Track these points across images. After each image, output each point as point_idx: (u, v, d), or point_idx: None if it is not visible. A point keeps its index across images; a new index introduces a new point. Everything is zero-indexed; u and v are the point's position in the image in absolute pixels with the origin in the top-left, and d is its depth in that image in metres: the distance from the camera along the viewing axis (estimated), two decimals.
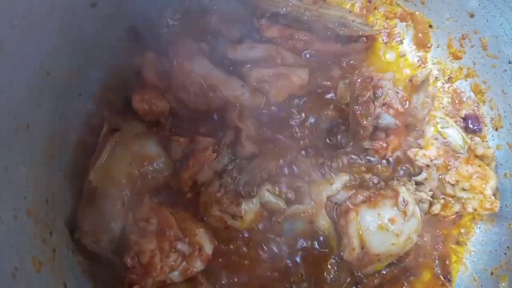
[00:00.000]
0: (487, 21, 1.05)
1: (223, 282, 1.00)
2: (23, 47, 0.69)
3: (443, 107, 1.19)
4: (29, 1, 0.69)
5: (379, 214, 0.95)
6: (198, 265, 0.95)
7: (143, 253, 0.89)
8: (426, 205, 1.01)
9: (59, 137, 0.89)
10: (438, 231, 1.10)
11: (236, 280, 1.00)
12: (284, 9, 1.07)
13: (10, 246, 0.65)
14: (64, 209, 0.89)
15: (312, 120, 1.12)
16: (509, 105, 1.08)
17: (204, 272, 0.97)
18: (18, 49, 0.68)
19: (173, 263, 0.91)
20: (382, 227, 0.94)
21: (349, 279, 1.03)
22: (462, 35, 1.13)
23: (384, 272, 1.02)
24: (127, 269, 0.88)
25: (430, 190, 1.03)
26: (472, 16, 1.07)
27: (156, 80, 1.03)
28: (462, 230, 1.12)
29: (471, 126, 1.15)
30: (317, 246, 1.04)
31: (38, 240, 0.75)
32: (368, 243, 0.95)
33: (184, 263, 0.93)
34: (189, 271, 0.94)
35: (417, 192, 1.01)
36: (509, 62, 1.05)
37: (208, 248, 0.98)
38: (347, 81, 1.12)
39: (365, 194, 1.00)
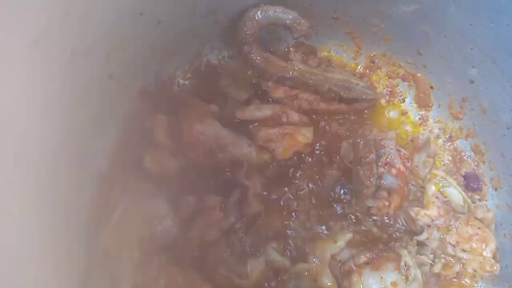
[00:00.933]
0: (486, 88, 1.10)
1: None
2: None
3: (444, 165, 1.23)
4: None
5: (381, 277, 0.98)
6: None
7: None
8: (427, 268, 1.03)
9: (73, 202, 0.92)
10: None
11: None
12: (291, 73, 1.12)
13: None
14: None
15: (316, 178, 1.16)
16: (508, 167, 1.12)
17: None
18: None
19: None
20: None
21: None
22: (463, 98, 1.17)
23: None
24: None
25: (431, 250, 1.05)
26: (472, 82, 1.12)
27: (167, 140, 1.06)
28: None
29: (471, 184, 1.19)
30: None
31: None
32: None
33: None
34: None
35: (419, 256, 1.03)
36: (508, 128, 1.09)
37: None
38: (351, 141, 1.16)
39: (368, 255, 1.03)
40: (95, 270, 0.95)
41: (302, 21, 1.06)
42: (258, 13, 1.04)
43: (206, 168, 1.10)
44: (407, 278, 0.97)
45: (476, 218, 1.09)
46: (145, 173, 1.06)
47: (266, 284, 1.06)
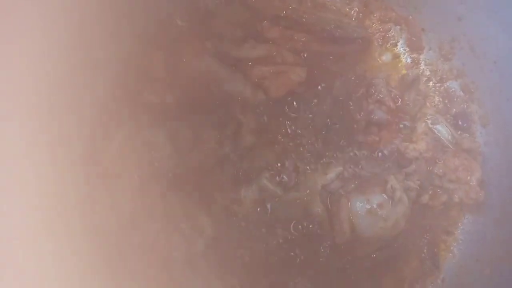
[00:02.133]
0: (474, 23, 1.13)
1: None
2: None
3: (435, 106, 1.26)
4: None
5: (368, 199, 1.03)
6: (200, 244, 1.03)
7: (149, 232, 0.97)
8: (413, 194, 1.07)
9: None
10: (427, 221, 1.18)
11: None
12: (284, 12, 1.16)
13: None
14: None
15: (309, 115, 1.20)
16: (495, 103, 1.15)
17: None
18: None
19: (175, 242, 0.99)
20: (371, 212, 1.01)
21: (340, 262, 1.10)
22: (452, 37, 1.20)
23: (374, 256, 1.09)
24: None
25: (418, 180, 1.10)
26: (460, 19, 1.15)
27: (165, 75, 1.12)
28: (450, 221, 1.18)
29: (460, 123, 1.22)
30: (311, 227, 1.11)
31: None
32: (358, 227, 1.03)
33: (185, 242, 1.02)
34: (190, 250, 1.02)
35: (405, 181, 1.08)
36: (495, 62, 1.12)
37: (209, 230, 1.05)
38: (343, 79, 1.20)
39: (356, 182, 1.08)
40: (95, 194, 1.01)
41: None
42: None
43: (202, 103, 1.16)
44: (392, 199, 1.01)
45: (463, 149, 1.12)
46: (144, 106, 1.12)
47: (258, 209, 1.12)
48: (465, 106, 1.23)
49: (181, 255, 1.01)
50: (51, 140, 0.92)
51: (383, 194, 1.02)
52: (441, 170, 1.12)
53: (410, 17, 1.26)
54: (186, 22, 1.23)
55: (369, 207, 1.02)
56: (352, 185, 1.08)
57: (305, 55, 1.23)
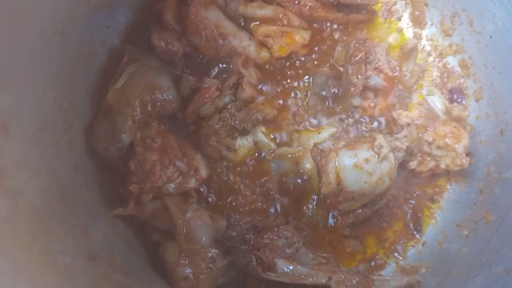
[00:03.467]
0: None
1: (209, 200, 1.14)
2: None
3: (432, 80, 1.30)
4: None
5: (355, 154, 1.06)
6: (192, 182, 1.08)
7: (146, 161, 1.03)
8: (400, 154, 1.11)
9: (85, 58, 1.04)
10: (414, 188, 1.22)
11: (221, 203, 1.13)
12: None
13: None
14: (83, 118, 1.04)
15: (309, 76, 1.25)
16: (489, 77, 1.19)
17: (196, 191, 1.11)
18: None
19: (170, 175, 1.05)
20: (357, 166, 1.05)
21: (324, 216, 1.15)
22: (453, 12, 1.24)
23: (358, 212, 1.13)
24: (130, 172, 1.02)
25: (406, 142, 1.13)
26: None
27: (174, 23, 1.18)
28: (436, 189, 1.22)
29: (455, 97, 1.26)
30: (300, 181, 1.16)
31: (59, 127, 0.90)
32: (344, 180, 1.06)
33: (180, 178, 1.07)
34: (183, 186, 1.07)
35: (393, 141, 1.11)
36: (490, 37, 1.15)
37: (203, 172, 1.11)
38: (344, 44, 1.25)
39: (346, 139, 1.12)
40: (99, 121, 1.07)
41: None
42: None
43: (207, 53, 1.21)
44: (379, 155, 1.05)
45: (453, 118, 1.16)
46: (152, 50, 1.17)
47: (249, 159, 1.17)
48: (461, 81, 1.26)
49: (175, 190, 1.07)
50: None
51: (371, 150, 1.06)
52: (430, 138, 1.15)
53: None
54: None
55: (355, 161, 1.05)
56: (343, 142, 1.12)
57: (311, 20, 1.27)
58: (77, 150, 0.99)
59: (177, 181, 1.07)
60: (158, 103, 1.13)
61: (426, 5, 1.30)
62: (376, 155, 1.06)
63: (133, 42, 1.17)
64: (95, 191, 1.02)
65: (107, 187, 1.04)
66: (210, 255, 0.98)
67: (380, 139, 1.08)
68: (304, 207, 1.16)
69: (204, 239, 1.00)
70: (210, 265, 0.97)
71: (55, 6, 0.84)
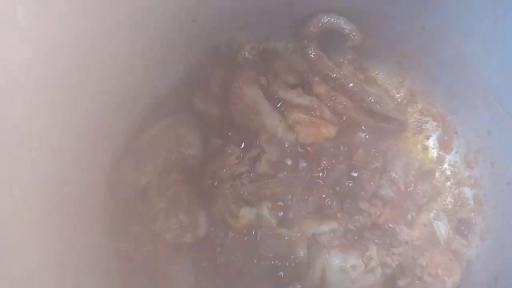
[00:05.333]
0: (500, 143, 1.20)
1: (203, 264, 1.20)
2: None
3: (444, 205, 1.32)
4: None
5: (345, 258, 1.11)
6: (188, 237, 1.15)
7: (154, 207, 1.12)
8: (389, 271, 1.13)
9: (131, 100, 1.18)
10: None
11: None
12: (335, 75, 1.31)
13: None
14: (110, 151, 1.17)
15: (326, 167, 1.31)
16: (497, 221, 1.20)
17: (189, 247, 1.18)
18: None
19: (171, 226, 1.13)
20: (343, 270, 1.09)
21: None
22: (479, 148, 1.28)
23: None
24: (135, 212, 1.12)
25: (397, 261, 1.15)
26: (489, 133, 1.23)
27: (217, 90, 1.30)
28: None
29: (462, 229, 1.27)
30: (288, 265, 1.20)
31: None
32: (328, 279, 1.10)
33: (179, 230, 1.15)
34: (179, 238, 1.15)
35: (385, 256, 1.14)
36: (507, 183, 1.18)
37: (201, 230, 1.18)
38: (365, 148, 1.31)
39: (342, 239, 1.16)
40: (124, 161, 1.19)
41: (358, 34, 1.25)
42: (325, 16, 1.26)
43: (239, 124, 1.31)
44: (366, 266, 1.08)
45: (451, 250, 1.17)
46: (191, 108, 1.29)
47: (248, 231, 1.23)
48: (472, 215, 1.28)
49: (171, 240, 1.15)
50: None
51: (360, 259, 1.10)
52: (424, 263, 1.17)
53: (448, 118, 1.35)
54: (253, 56, 1.41)
55: (343, 264, 1.09)
56: (338, 242, 1.16)
57: (342, 118, 1.36)
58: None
59: (175, 232, 1.14)
60: (182, 155, 1.23)
61: (456, 132, 1.35)
62: (363, 265, 1.09)
63: (176, 97, 1.30)
64: None
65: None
66: None
67: (372, 250, 1.12)
68: None
69: None
70: None
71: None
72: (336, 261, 1.11)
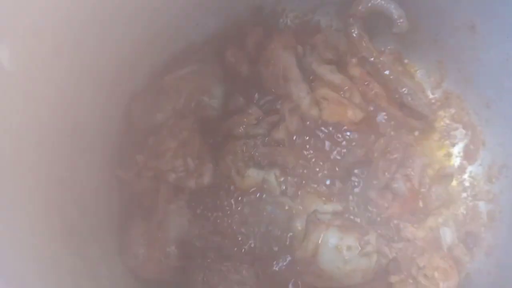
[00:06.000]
0: None
1: (197, 211, 1.19)
2: None
3: (455, 214, 1.27)
4: None
5: (342, 237, 1.07)
6: (191, 183, 1.14)
7: (164, 144, 1.11)
8: (384, 261, 1.10)
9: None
10: None
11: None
12: (373, 59, 1.27)
13: None
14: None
15: (343, 149, 1.28)
16: (508, 240, 1.15)
17: (191, 193, 1.17)
18: None
19: (177, 166, 1.12)
20: (338, 248, 1.06)
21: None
22: (503, 164, 1.22)
23: None
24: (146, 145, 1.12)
25: (395, 254, 1.12)
26: None
27: (251, 48, 1.28)
28: None
29: (468, 241, 1.22)
30: (283, 236, 1.18)
31: None
32: (320, 255, 1.07)
33: (183, 173, 1.14)
34: (182, 181, 1.14)
35: (383, 246, 1.10)
36: None
37: (206, 179, 1.17)
38: (388, 139, 1.27)
39: (344, 220, 1.13)
40: (143, 94, 1.19)
41: (405, 21, 1.21)
42: None
43: (265, 86, 1.29)
44: (362, 249, 1.05)
45: (452, 256, 1.13)
46: (221, 63, 1.28)
47: (250, 191, 1.21)
48: (482, 229, 1.23)
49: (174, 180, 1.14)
50: None
51: (357, 242, 1.07)
52: (422, 263, 1.13)
53: (479, 127, 1.29)
54: (295, 24, 1.39)
55: (339, 243, 1.06)
56: (338, 222, 1.13)
57: (370, 105, 1.32)
58: None
59: (180, 174, 1.14)
60: (202, 103, 1.22)
61: (483, 144, 1.29)
62: (359, 248, 1.06)
63: (209, 46, 1.29)
64: None
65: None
66: (168, 250, 1.02)
67: (372, 235, 1.08)
68: (274, 262, 1.17)
69: (172, 233, 1.04)
70: (162, 258, 1.01)
71: None
72: (332, 238, 1.08)
